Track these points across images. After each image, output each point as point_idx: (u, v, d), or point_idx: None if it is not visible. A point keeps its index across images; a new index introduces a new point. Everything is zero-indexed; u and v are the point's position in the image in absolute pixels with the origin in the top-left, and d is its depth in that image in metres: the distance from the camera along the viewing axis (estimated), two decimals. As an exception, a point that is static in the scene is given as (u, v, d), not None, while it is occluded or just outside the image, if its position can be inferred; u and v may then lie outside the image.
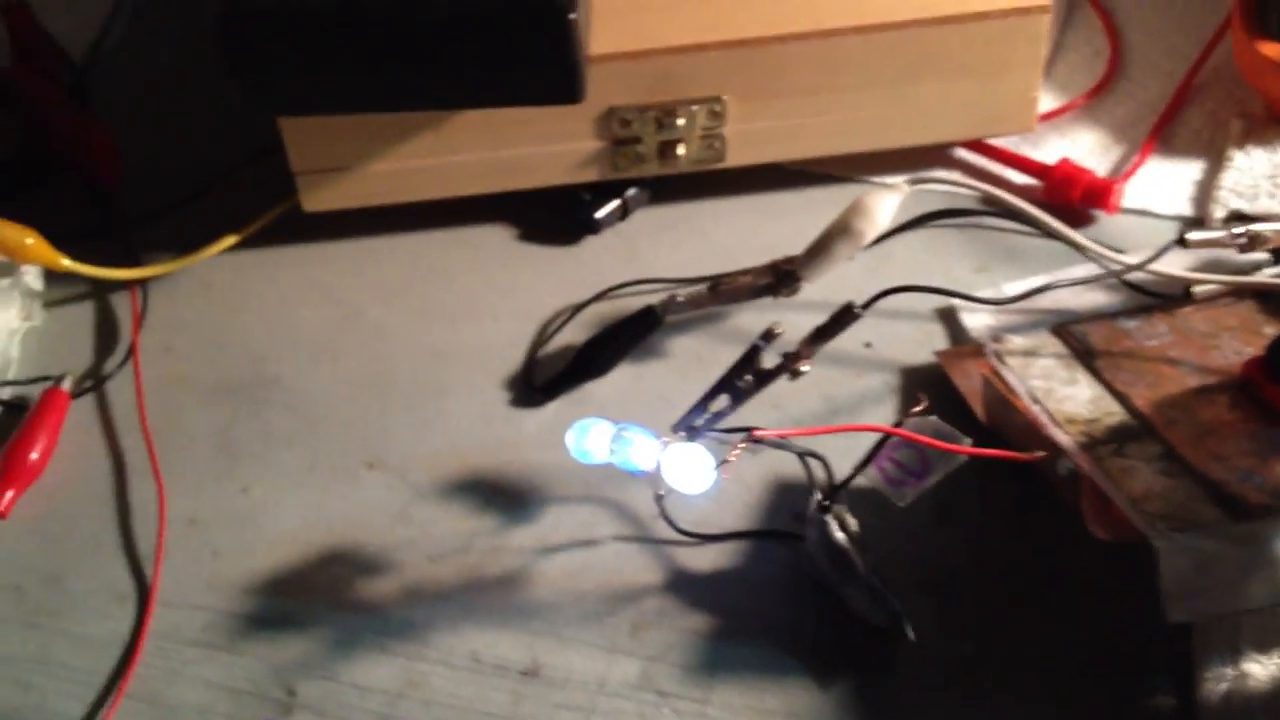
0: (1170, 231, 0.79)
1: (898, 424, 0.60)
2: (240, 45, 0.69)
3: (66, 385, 0.75)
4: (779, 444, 0.60)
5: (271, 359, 0.77)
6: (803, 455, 0.62)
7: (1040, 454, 0.60)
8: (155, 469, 0.71)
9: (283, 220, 0.82)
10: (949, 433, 0.59)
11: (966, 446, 0.59)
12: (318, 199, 0.80)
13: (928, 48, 0.77)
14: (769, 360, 0.65)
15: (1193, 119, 0.85)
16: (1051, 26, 0.78)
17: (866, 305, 0.66)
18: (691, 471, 0.61)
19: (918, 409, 0.60)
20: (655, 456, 0.62)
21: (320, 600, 0.66)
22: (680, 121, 0.78)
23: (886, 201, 0.71)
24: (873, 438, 0.61)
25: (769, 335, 0.64)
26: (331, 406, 0.75)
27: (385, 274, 0.82)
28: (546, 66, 0.69)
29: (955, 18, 0.76)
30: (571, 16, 0.68)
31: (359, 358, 0.77)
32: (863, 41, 0.76)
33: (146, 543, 0.69)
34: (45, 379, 0.76)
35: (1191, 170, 0.83)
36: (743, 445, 0.58)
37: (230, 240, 0.81)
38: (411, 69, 0.70)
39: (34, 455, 0.72)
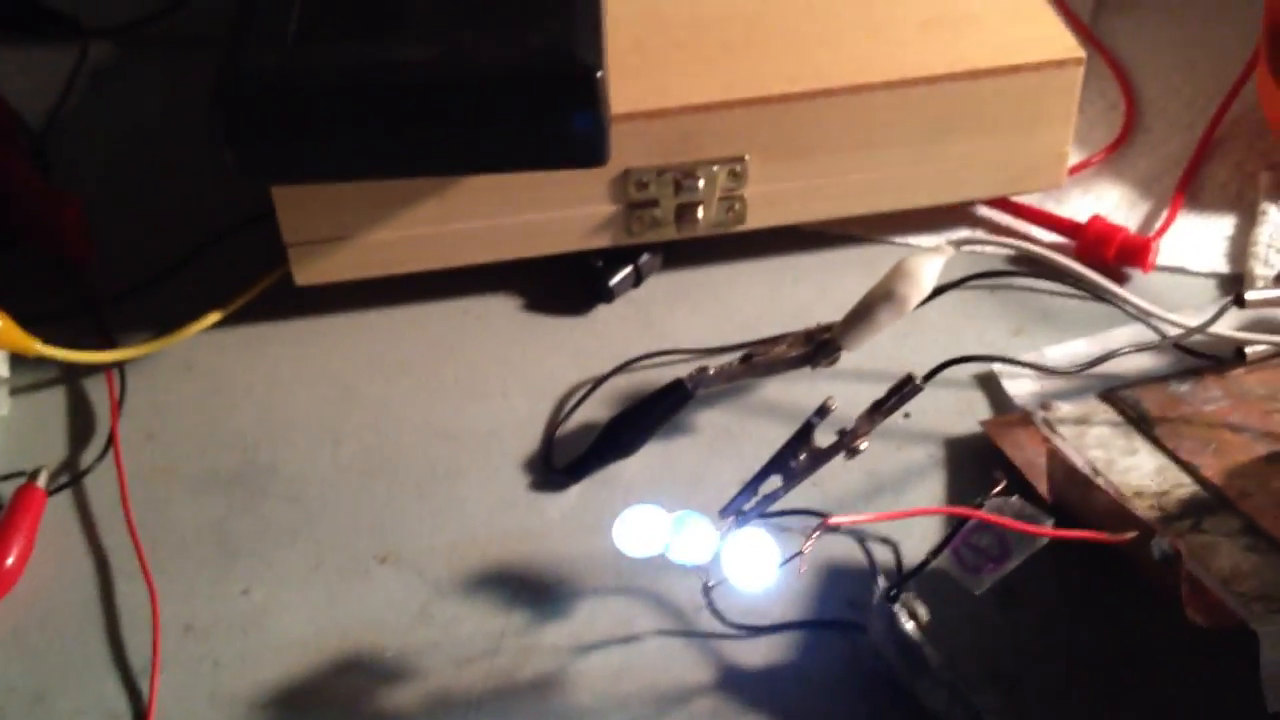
0: (1206, 289, 0.77)
1: (977, 505, 0.55)
2: (241, 111, 0.64)
3: (41, 481, 0.68)
4: (854, 531, 0.55)
5: (265, 445, 0.71)
6: (865, 542, 0.58)
7: (1131, 534, 0.56)
8: (145, 571, 0.65)
9: (270, 293, 0.76)
10: (1032, 514, 0.55)
11: (1049, 528, 0.55)
12: (311, 271, 0.74)
13: (958, 103, 0.74)
14: (822, 438, 0.61)
15: (1218, 172, 0.83)
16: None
17: (929, 376, 0.62)
18: (758, 564, 0.56)
19: (996, 489, 0.56)
20: (713, 547, 0.57)
21: (336, 713, 0.60)
22: (700, 183, 0.74)
23: (931, 264, 0.67)
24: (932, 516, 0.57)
25: (823, 411, 0.60)
26: (335, 496, 0.69)
27: (384, 349, 0.76)
28: (571, 128, 0.64)
29: (987, 71, 0.73)
30: (599, 75, 0.63)
31: (361, 441, 0.71)
32: (891, 97, 0.73)
33: (139, 654, 0.63)
34: (17, 475, 0.69)
35: (1222, 225, 0.80)
36: (817, 535, 0.53)
37: (213, 317, 0.75)
38: (427, 133, 0.65)
39: (9, 560, 0.65)
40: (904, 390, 0.60)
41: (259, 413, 0.73)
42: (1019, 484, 0.65)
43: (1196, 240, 0.79)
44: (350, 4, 0.69)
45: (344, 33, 0.67)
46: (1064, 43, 0.74)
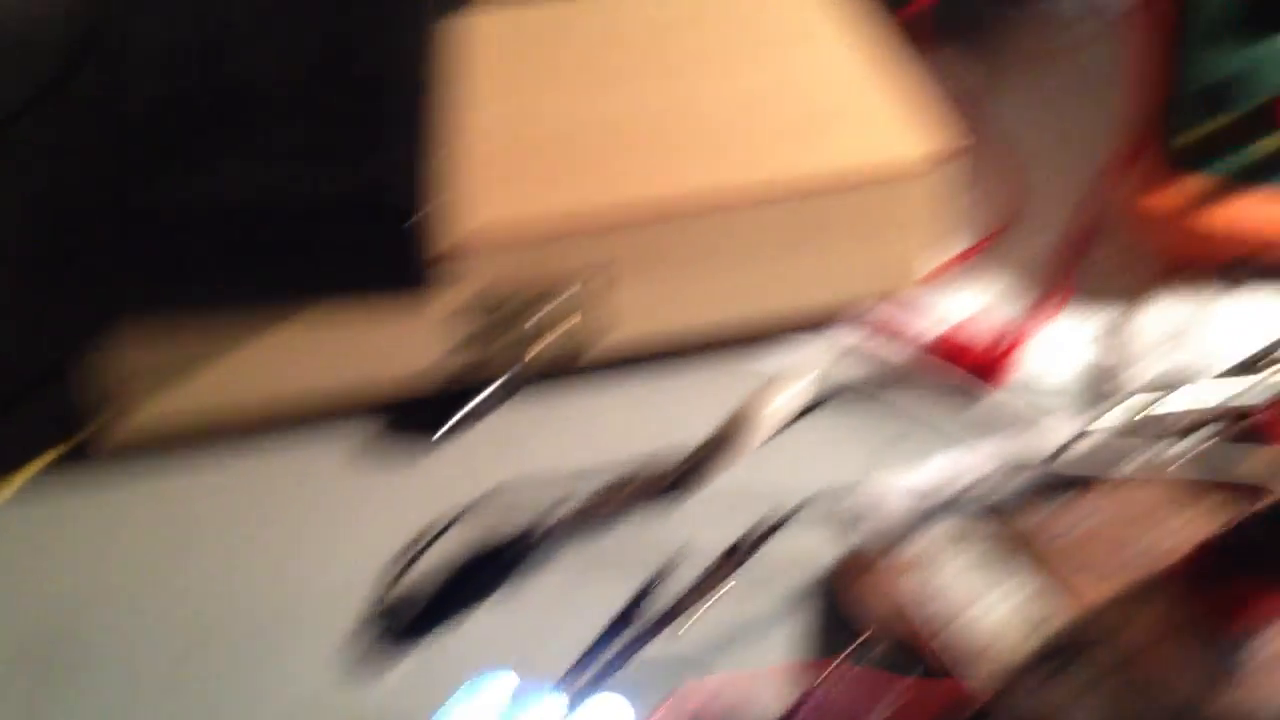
0: (1069, 401, 0.74)
1: (839, 659, 0.51)
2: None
3: None
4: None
5: (69, 616, 0.65)
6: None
7: (990, 691, 0.52)
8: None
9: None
10: (897, 664, 0.51)
11: (909, 682, 0.51)
12: (117, 435, 0.68)
13: (815, 214, 0.72)
14: (675, 587, 0.56)
15: (1088, 274, 0.80)
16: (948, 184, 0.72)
17: (784, 520, 0.58)
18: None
19: (857, 643, 0.52)
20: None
21: None
22: (551, 306, 0.70)
23: (779, 400, 0.64)
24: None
25: (674, 560, 0.56)
26: (148, 676, 0.62)
27: (204, 500, 0.70)
28: (386, 260, 0.61)
29: (832, 186, 0.71)
30: (415, 218, 0.59)
31: (176, 609, 0.65)
32: (747, 212, 0.71)
33: None
34: None
35: (1098, 321, 0.78)
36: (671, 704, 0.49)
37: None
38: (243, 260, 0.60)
39: None
40: (760, 534, 0.56)
41: (58, 581, 0.66)
42: (883, 630, 0.60)
43: (1057, 348, 0.77)
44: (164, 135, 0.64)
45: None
46: (926, 144, 0.72)
